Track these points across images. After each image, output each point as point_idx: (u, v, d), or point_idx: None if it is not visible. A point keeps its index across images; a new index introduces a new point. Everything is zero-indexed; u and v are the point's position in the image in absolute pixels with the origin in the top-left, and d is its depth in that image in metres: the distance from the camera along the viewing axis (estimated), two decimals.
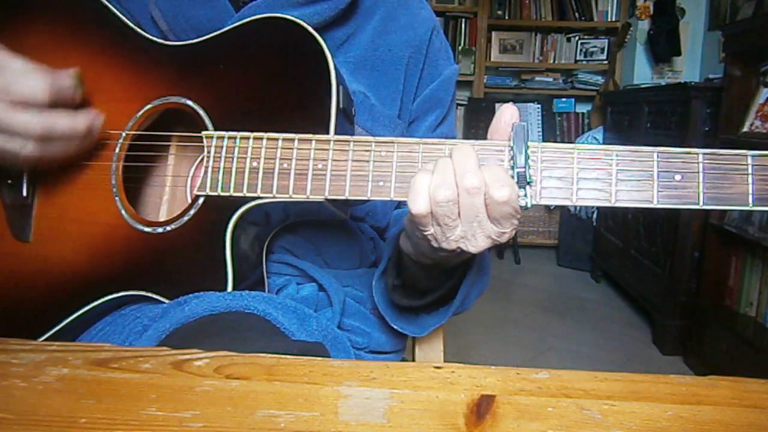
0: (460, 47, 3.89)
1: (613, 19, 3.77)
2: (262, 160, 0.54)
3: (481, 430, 0.35)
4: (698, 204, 0.48)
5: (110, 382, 0.39)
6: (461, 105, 3.93)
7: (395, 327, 0.67)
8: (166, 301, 0.57)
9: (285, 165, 0.54)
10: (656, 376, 0.41)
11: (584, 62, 3.87)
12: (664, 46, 3.26)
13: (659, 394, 0.39)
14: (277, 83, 0.59)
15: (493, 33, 3.94)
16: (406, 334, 0.70)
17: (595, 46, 3.85)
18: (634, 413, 0.37)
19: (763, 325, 1.93)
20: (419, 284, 0.62)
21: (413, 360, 0.82)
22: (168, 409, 0.36)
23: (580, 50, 3.88)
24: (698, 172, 0.48)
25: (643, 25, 3.44)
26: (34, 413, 0.35)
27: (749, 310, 2.01)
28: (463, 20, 3.91)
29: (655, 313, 2.43)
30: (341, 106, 0.56)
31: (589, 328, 2.57)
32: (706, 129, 2.17)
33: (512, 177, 0.48)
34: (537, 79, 3.90)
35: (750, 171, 0.47)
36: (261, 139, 0.54)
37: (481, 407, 0.37)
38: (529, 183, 0.48)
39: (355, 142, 0.52)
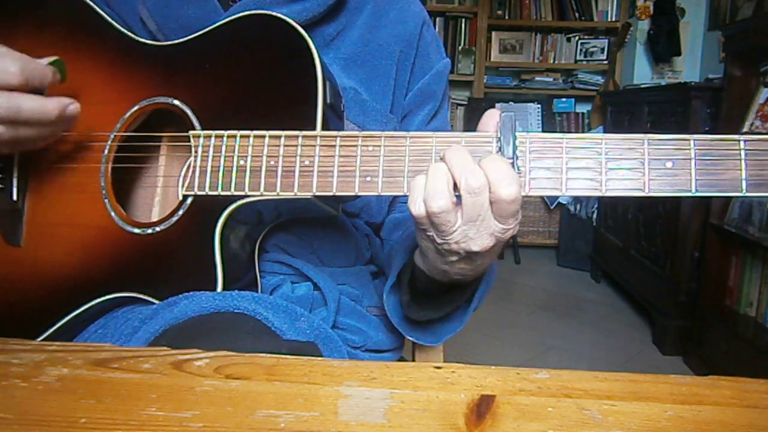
0: (460, 47, 3.89)
1: (613, 19, 3.77)
2: (249, 158, 0.54)
3: (481, 430, 0.35)
4: (691, 191, 0.47)
5: (110, 382, 0.39)
6: (461, 105, 3.93)
7: (411, 339, 0.66)
8: (157, 302, 0.57)
9: (272, 162, 0.53)
10: (656, 376, 0.41)
11: (584, 62, 3.87)
12: (664, 46, 3.26)
13: (659, 394, 0.39)
14: (263, 80, 0.58)
15: (493, 33, 3.94)
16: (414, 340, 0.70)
17: (595, 46, 3.85)
18: (634, 413, 0.37)
19: (763, 325, 1.93)
20: (433, 296, 0.62)
21: (413, 360, 0.81)
22: (168, 409, 0.36)
23: (580, 50, 3.88)
24: (690, 159, 0.47)
25: (643, 25, 3.44)
26: (34, 413, 0.35)
27: (749, 310, 2.01)
28: (463, 20, 3.90)
29: (655, 313, 2.43)
30: (329, 101, 0.56)
31: (589, 328, 2.57)
32: (706, 129, 2.17)
33: None
34: (537, 79, 3.90)
35: (743, 156, 0.46)
36: (248, 137, 0.54)
37: (481, 407, 0.37)
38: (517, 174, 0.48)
39: (341, 137, 0.52)
